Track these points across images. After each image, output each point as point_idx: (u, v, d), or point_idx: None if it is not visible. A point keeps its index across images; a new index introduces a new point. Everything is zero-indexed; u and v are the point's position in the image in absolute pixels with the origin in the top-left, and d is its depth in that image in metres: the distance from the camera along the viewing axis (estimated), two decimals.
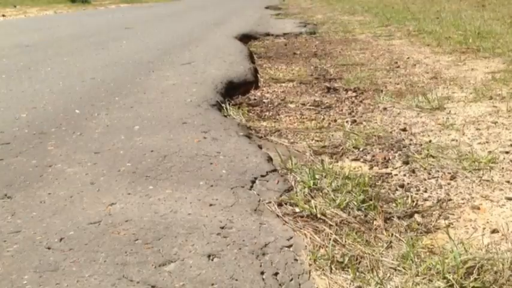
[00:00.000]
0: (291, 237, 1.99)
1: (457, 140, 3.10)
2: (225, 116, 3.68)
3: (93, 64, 5.68)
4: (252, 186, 2.45)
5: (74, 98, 4.05)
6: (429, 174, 2.63)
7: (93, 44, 7.45)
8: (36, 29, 9.84)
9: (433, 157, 2.83)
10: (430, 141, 3.11)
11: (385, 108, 3.89)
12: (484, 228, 2.07)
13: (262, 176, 2.57)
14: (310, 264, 1.82)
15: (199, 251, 1.85)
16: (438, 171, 2.65)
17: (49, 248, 1.86)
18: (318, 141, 3.20)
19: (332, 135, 3.29)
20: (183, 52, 6.64)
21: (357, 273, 1.76)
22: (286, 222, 2.11)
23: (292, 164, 2.71)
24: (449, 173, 2.61)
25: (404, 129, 3.34)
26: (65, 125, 3.35)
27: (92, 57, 6.26)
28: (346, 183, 2.44)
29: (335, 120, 3.61)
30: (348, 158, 2.90)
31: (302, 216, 2.16)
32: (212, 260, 1.80)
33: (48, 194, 2.32)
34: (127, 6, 20.76)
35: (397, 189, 2.45)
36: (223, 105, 3.91)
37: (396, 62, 5.96)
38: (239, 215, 2.15)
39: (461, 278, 1.69)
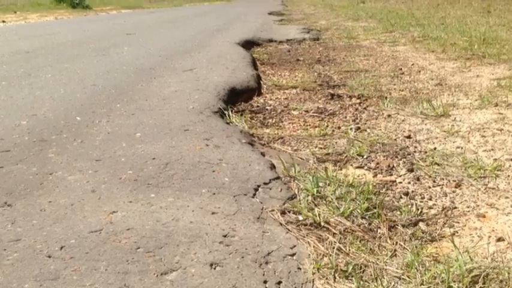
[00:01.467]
0: (294, 246, 1.97)
1: (462, 148, 3.08)
2: (228, 123, 3.66)
3: (94, 71, 5.67)
4: (254, 194, 2.42)
5: (75, 105, 4.04)
6: (434, 181, 2.61)
7: (94, 51, 7.44)
8: (36, 35, 9.84)
9: (438, 165, 2.81)
10: (435, 148, 3.09)
11: (389, 115, 3.87)
12: (489, 237, 2.05)
13: (265, 183, 2.55)
14: (313, 273, 1.79)
15: (202, 260, 1.83)
16: (443, 178, 2.63)
17: (49, 257, 1.84)
18: (321, 148, 3.17)
19: (336, 142, 3.27)
20: (185, 58, 6.64)
21: (361, 282, 1.74)
22: (289, 230, 2.09)
23: (295, 171, 2.69)
24: (455, 181, 2.58)
25: (408, 137, 3.32)
26: (66, 132, 3.34)
27: (93, 63, 6.26)
28: (350, 191, 2.42)
29: (339, 127, 3.59)
30: (351, 165, 2.88)
31: (305, 225, 2.14)
32: (214, 268, 1.78)
33: (48, 202, 2.30)
34: (128, 12, 20.81)
35: (401, 197, 2.43)
36: (225, 112, 3.89)
37: (401, 69, 5.94)
38: (242, 223, 2.12)
39: (466, 287, 1.68)
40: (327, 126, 3.64)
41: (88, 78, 5.19)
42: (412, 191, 2.50)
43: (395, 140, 3.29)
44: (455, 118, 3.72)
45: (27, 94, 4.44)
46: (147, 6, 22.58)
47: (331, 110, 4.09)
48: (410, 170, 2.75)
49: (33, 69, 5.72)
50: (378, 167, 2.82)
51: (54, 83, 4.96)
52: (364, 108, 4.11)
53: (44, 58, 6.70)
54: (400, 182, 2.63)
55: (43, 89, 4.66)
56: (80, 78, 5.19)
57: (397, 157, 2.96)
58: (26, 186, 2.48)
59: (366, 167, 2.84)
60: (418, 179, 2.64)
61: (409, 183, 2.61)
